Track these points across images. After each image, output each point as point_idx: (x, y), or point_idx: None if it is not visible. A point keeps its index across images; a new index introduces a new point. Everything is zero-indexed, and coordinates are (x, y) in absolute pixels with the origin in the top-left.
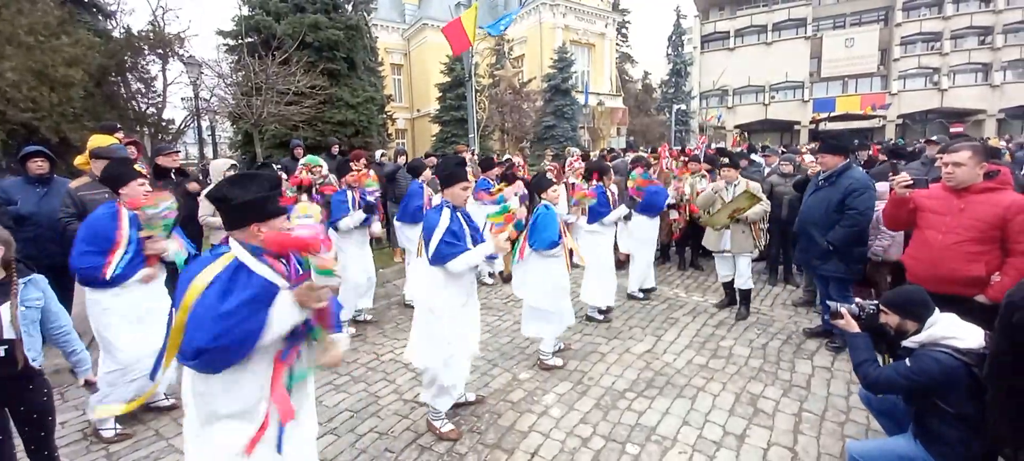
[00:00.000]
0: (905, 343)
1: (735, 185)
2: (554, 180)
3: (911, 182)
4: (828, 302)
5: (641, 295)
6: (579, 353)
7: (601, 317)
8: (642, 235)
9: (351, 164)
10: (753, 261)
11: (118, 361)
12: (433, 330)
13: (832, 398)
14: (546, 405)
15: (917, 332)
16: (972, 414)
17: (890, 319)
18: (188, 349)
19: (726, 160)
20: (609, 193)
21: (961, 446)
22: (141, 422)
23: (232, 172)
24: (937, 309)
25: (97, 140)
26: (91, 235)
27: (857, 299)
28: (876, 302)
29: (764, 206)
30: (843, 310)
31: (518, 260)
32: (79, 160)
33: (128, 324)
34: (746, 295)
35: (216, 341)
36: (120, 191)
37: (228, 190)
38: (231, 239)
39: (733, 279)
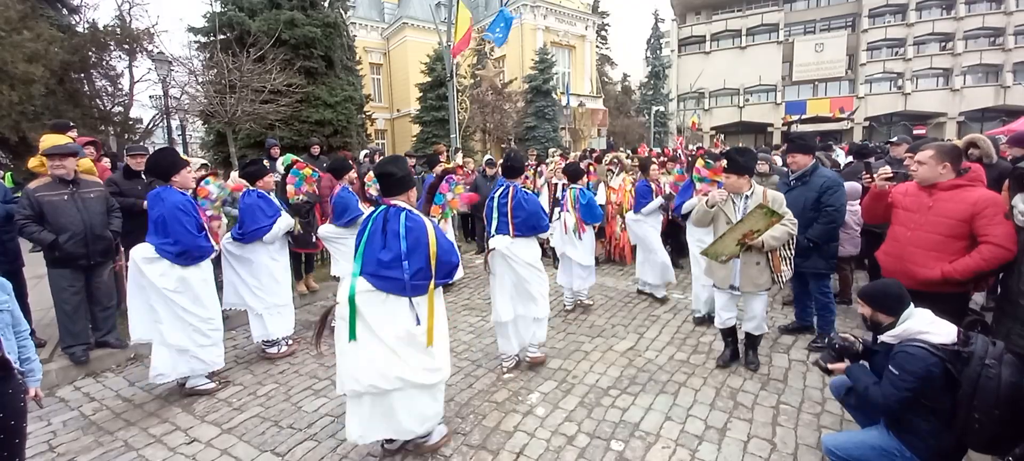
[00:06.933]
0: (881, 338)
1: (749, 195)
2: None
3: (891, 175)
4: (818, 363)
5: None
6: (563, 351)
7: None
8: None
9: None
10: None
11: (212, 314)
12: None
13: (808, 390)
14: (531, 404)
15: (891, 326)
16: (944, 407)
17: (864, 311)
18: (449, 267)
19: (725, 164)
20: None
21: (933, 438)
22: (108, 433)
23: (203, 171)
24: (912, 304)
25: (50, 140)
26: (196, 221)
27: (834, 336)
28: (845, 335)
29: (789, 227)
30: (832, 367)
31: (581, 233)
32: (33, 163)
33: (209, 289)
34: (755, 341)
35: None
36: (173, 179)
37: (391, 167)
38: (396, 202)
39: (735, 323)
